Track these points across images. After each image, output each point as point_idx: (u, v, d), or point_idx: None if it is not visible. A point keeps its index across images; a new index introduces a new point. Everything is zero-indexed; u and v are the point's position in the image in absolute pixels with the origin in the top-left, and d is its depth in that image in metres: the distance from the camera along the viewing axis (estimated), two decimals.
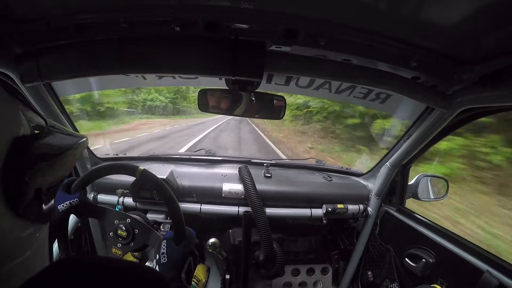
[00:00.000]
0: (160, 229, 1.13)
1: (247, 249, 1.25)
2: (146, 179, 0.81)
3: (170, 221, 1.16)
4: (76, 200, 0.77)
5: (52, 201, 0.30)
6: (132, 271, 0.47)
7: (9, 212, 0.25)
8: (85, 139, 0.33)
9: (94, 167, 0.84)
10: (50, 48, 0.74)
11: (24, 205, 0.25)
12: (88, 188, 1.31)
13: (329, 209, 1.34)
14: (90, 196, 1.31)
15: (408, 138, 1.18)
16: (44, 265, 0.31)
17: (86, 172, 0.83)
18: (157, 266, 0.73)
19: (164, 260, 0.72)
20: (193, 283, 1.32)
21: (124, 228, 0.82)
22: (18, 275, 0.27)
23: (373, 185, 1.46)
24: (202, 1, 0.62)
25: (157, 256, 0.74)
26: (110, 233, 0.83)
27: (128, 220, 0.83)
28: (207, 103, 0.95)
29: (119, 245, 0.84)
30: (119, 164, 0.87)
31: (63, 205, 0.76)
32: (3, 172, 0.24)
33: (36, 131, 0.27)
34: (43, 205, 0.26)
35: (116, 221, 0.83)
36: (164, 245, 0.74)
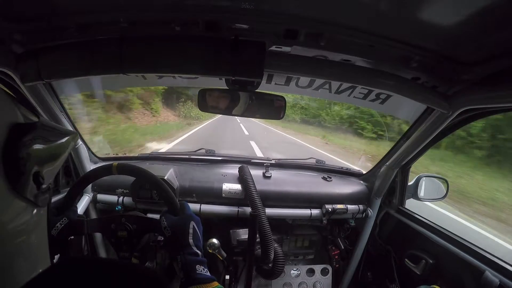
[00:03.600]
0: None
1: (252, 250, 1.25)
2: (124, 171, 0.81)
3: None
4: (65, 219, 0.76)
5: (49, 183, 0.32)
6: (131, 272, 0.47)
7: (12, 192, 0.27)
8: (75, 134, 0.36)
9: (74, 182, 0.83)
10: (50, 48, 0.74)
11: (23, 184, 0.27)
12: (88, 188, 1.31)
13: (329, 209, 1.33)
14: (90, 195, 1.31)
15: (408, 139, 1.18)
16: (43, 245, 0.34)
17: (68, 190, 0.81)
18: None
19: (169, 233, 0.74)
20: None
21: (122, 228, 0.82)
22: (21, 253, 0.30)
23: (373, 185, 1.46)
24: (202, 1, 0.62)
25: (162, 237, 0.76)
26: (112, 240, 0.83)
27: (123, 219, 0.83)
28: (207, 103, 0.95)
29: (124, 247, 0.84)
30: (93, 170, 0.87)
31: (55, 229, 0.73)
32: (3, 153, 0.27)
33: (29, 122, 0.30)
34: (41, 187, 0.29)
35: (112, 225, 0.83)
36: (164, 221, 0.75)
